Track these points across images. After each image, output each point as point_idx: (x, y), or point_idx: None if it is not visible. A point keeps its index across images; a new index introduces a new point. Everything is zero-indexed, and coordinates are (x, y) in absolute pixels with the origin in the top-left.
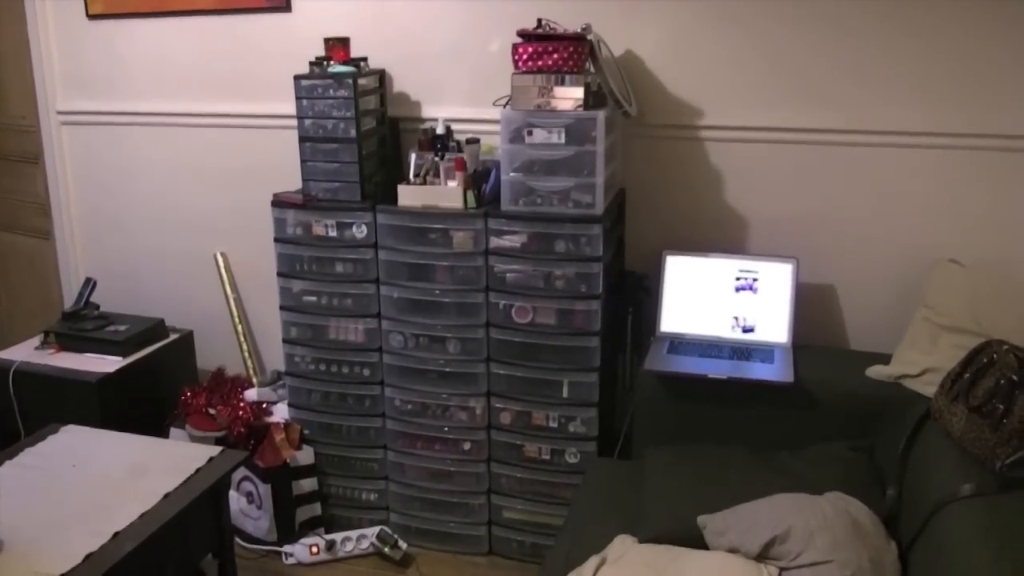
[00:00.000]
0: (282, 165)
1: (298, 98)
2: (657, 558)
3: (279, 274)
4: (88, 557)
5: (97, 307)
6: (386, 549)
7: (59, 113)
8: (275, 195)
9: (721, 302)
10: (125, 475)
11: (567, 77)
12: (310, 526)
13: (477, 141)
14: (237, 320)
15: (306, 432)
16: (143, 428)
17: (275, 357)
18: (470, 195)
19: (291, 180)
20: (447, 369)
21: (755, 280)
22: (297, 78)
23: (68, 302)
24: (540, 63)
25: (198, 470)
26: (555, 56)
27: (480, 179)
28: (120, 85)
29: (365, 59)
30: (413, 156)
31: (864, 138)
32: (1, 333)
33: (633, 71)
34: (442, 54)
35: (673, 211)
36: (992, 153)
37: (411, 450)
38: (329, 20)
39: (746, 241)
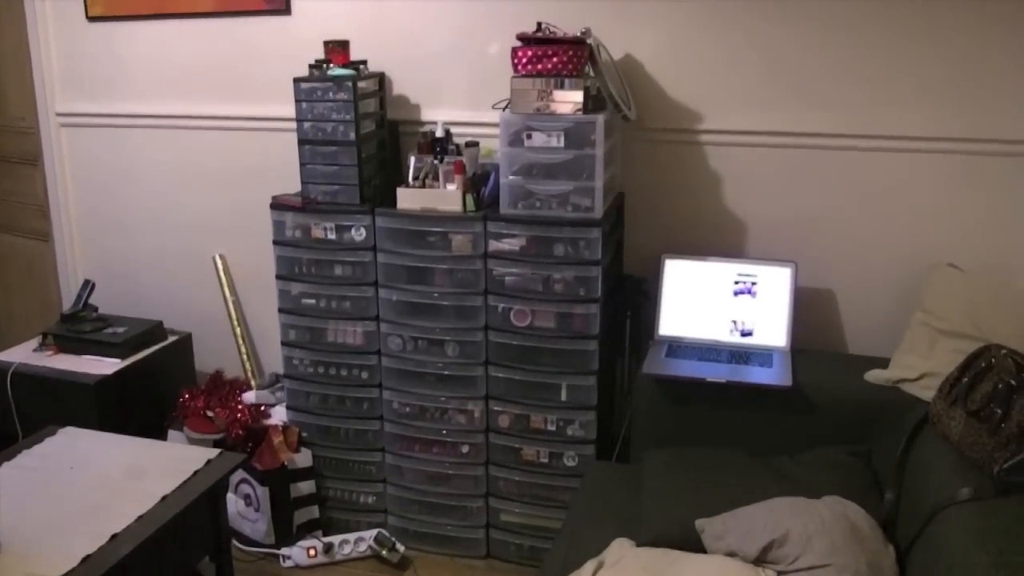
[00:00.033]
0: (281, 167)
1: (297, 101)
2: (655, 562)
3: (278, 276)
4: (86, 559)
5: (95, 309)
6: (384, 552)
7: (58, 115)
8: (274, 198)
9: (720, 306)
10: (123, 477)
11: (566, 81)
12: (308, 529)
13: (476, 144)
14: (236, 322)
15: (304, 435)
16: (141, 430)
17: (274, 359)
18: (469, 198)
19: (290, 183)
20: (446, 372)
21: (754, 284)
22: (296, 81)
23: (67, 304)
24: (539, 67)
25: (196, 472)
26: (555, 60)
27: (479, 182)
28: (119, 87)
29: (364, 62)
30: (412, 159)
31: (863, 142)
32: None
33: (632, 75)
34: (442, 57)
35: (672, 215)
36: (991, 158)
37: (409, 453)
38: (329, 23)
39: (745, 245)
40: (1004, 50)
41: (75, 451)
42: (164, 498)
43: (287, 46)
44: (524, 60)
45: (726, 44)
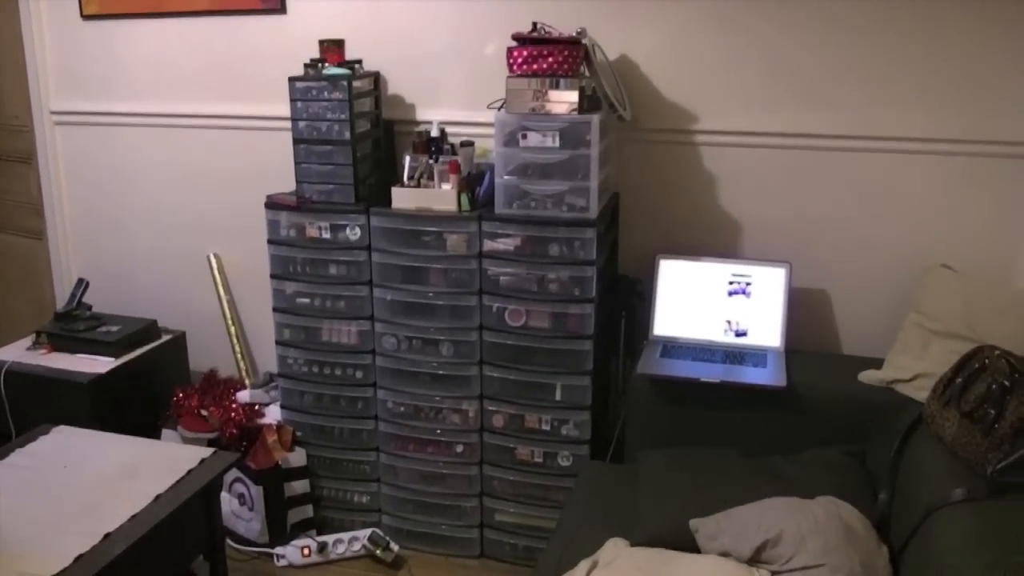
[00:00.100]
0: (276, 167)
1: (292, 100)
2: (649, 561)
3: (272, 276)
4: (79, 558)
5: (89, 307)
6: (378, 551)
7: (52, 113)
8: (269, 197)
9: (714, 306)
10: (116, 476)
11: (562, 81)
12: (302, 528)
13: (471, 144)
14: (230, 321)
15: (298, 434)
16: (135, 429)
17: (268, 359)
18: (464, 198)
19: (285, 182)
20: (440, 372)
21: (748, 284)
22: (292, 80)
23: (60, 302)
24: (535, 67)
25: (190, 471)
26: (550, 60)
27: (474, 182)
28: (114, 85)
29: (360, 61)
30: (407, 159)
31: (859, 143)
32: None
33: (628, 75)
34: (437, 57)
35: (667, 215)
36: (986, 159)
37: (403, 452)
38: (324, 22)
39: (739, 245)
40: (1002, 51)
41: (68, 450)
42: (158, 497)
43: (282, 45)
44: (519, 60)
45: (722, 44)
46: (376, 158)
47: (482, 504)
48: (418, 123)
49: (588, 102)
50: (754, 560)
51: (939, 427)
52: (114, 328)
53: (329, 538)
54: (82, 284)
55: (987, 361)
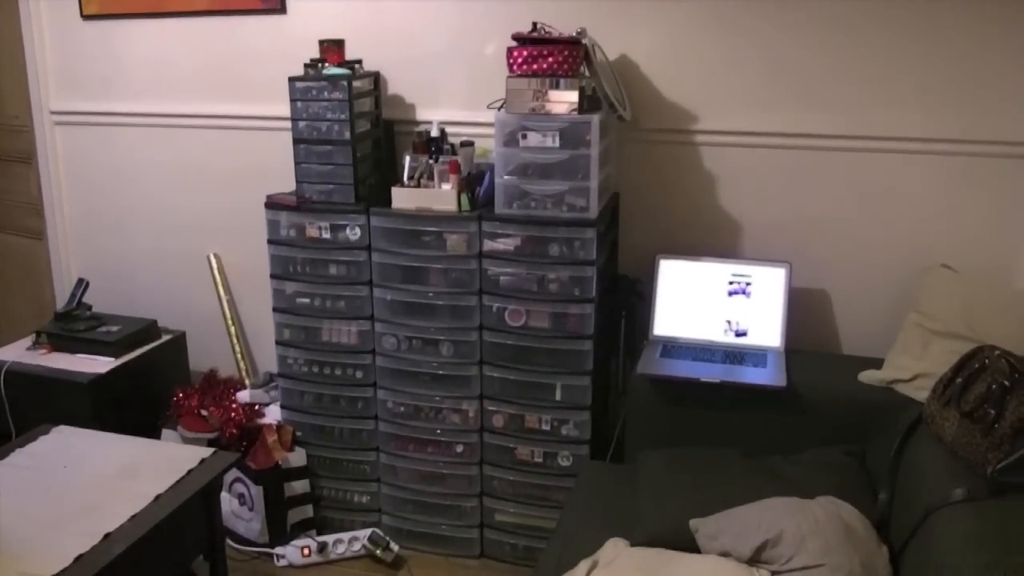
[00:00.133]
0: (276, 167)
1: (292, 100)
2: (649, 561)
3: (272, 276)
4: (79, 558)
5: (89, 307)
6: (378, 551)
7: (52, 113)
8: (269, 197)
9: (714, 306)
10: (116, 476)
11: (562, 81)
12: (302, 528)
13: (471, 144)
14: (230, 321)
15: (298, 434)
16: (135, 429)
17: (268, 359)
18: (464, 198)
19: (285, 182)
20: (440, 372)
21: (748, 284)
22: (291, 80)
23: (60, 302)
24: (535, 67)
25: (190, 471)
26: (550, 60)
27: (474, 182)
28: (114, 85)
29: (360, 61)
30: (407, 159)
31: (859, 143)
32: None
33: (628, 75)
34: (437, 57)
35: (667, 215)
36: (986, 159)
37: (403, 452)
38: (324, 22)
39: (739, 245)
40: (1002, 51)
41: (68, 450)
42: (158, 497)
43: (282, 45)
44: (519, 60)
45: (722, 44)
46: (376, 158)
47: (482, 504)
48: (418, 123)
49: (588, 102)
50: (754, 560)
51: (939, 427)
52: (114, 328)
53: (329, 538)
54: (82, 284)
55: (987, 361)
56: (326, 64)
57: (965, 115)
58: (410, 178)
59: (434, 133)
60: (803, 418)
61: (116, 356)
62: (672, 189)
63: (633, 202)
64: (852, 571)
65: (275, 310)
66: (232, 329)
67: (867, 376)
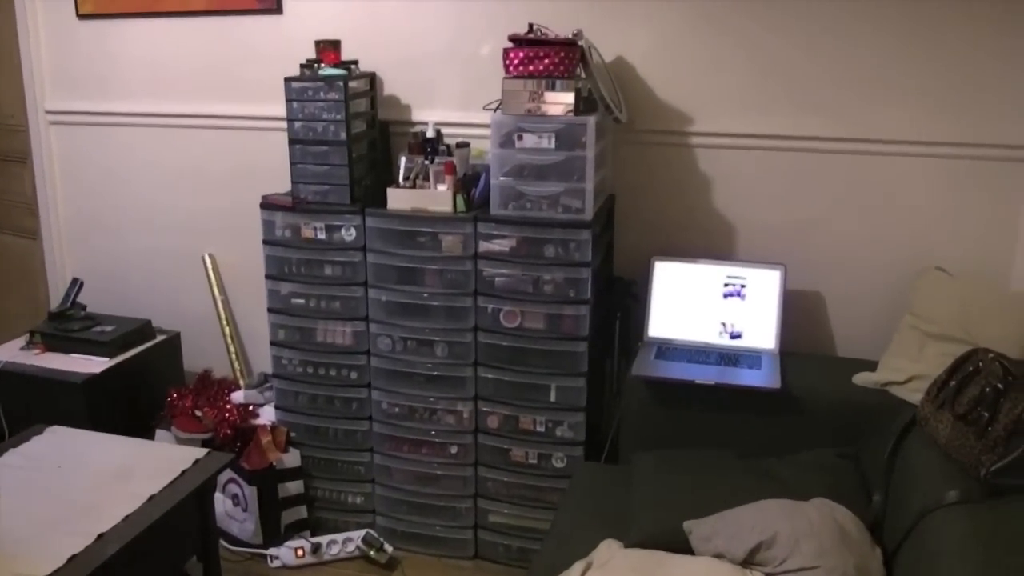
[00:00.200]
0: (272, 167)
1: (288, 100)
2: (643, 563)
3: (267, 276)
4: (72, 559)
5: (84, 307)
6: (372, 552)
7: (48, 112)
8: (264, 197)
9: (709, 308)
10: (110, 476)
11: (558, 82)
12: (296, 529)
13: (467, 145)
14: (225, 322)
15: (292, 435)
16: (129, 429)
17: (262, 359)
18: (460, 199)
19: (280, 182)
20: (435, 373)
21: (743, 286)
22: (287, 80)
23: (54, 302)
24: (531, 68)
25: (184, 472)
26: (546, 61)
27: (470, 183)
28: (109, 85)
29: (356, 62)
30: (403, 159)
31: (854, 146)
32: None
33: (624, 77)
34: (433, 58)
35: (662, 217)
36: (981, 163)
37: (398, 453)
38: (320, 22)
39: (734, 247)
40: (996, 55)
41: (62, 450)
42: (151, 498)
43: (278, 46)
44: (515, 61)
45: (718, 47)
46: (372, 159)
47: (476, 505)
48: (414, 124)
49: (584, 104)
50: (748, 562)
51: (933, 429)
52: (108, 328)
53: (323, 539)
54: (76, 284)
55: (981, 364)
56: (322, 64)
57: (960, 118)
58: (406, 179)
59: (430, 134)
60: (798, 420)
61: (110, 356)
62: (668, 191)
63: (629, 204)
64: (846, 573)
65: (270, 310)
66: (227, 329)
67: (861, 378)
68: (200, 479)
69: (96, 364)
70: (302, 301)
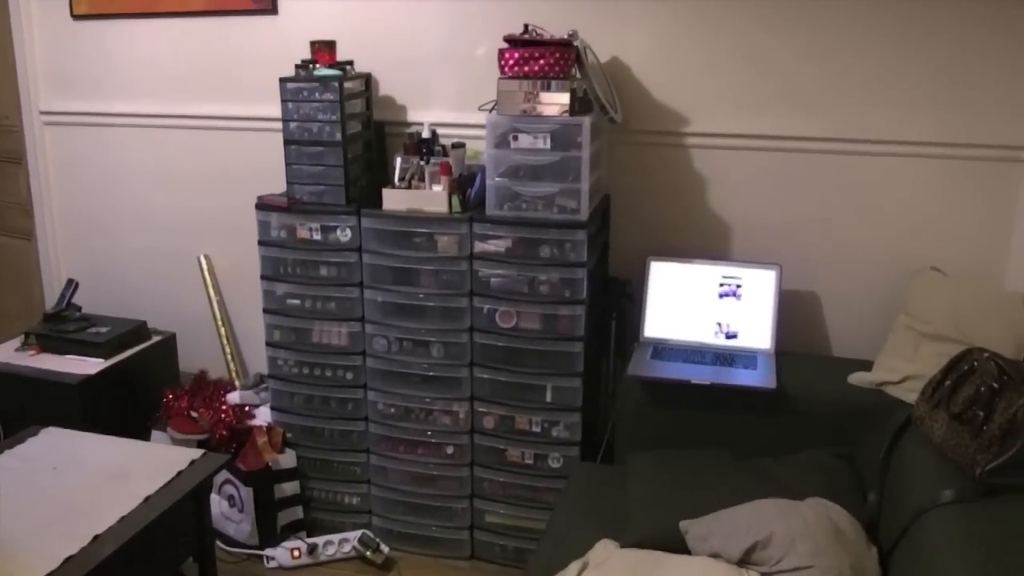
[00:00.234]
0: (267, 168)
1: (283, 101)
2: (639, 563)
3: (263, 277)
4: (68, 560)
5: (79, 308)
6: (368, 553)
7: (42, 113)
8: (259, 198)
9: (705, 308)
10: (106, 478)
11: (553, 83)
12: (292, 530)
13: (463, 146)
14: (220, 323)
15: (289, 435)
16: (124, 430)
17: (258, 360)
18: (455, 199)
19: (276, 183)
20: (430, 373)
21: (739, 286)
22: (283, 81)
23: (50, 303)
24: (526, 68)
25: (180, 473)
26: (541, 62)
27: (465, 184)
28: (104, 86)
29: (351, 62)
30: (398, 160)
31: (849, 146)
32: None
33: (619, 77)
34: (428, 58)
35: (657, 217)
36: (975, 163)
37: (394, 454)
38: (316, 23)
39: (730, 247)
40: (989, 55)
41: (58, 451)
42: (147, 499)
43: (274, 46)
44: (511, 62)
45: (713, 47)
46: (367, 159)
47: (472, 505)
48: (409, 124)
49: (579, 104)
50: (744, 562)
51: (928, 429)
52: (104, 329)
53: (319, 540)
54: (72, 285)
55: (976, 363)
56: (317, 65)
57: (954, 118)
58: (401, 179)
59: (425, 134)
60: (793, 420)
61: (106, 357)
62: (663, 191)
63: (624, 204)
64: (842, 572)
65: (265, 311)
66: (222, 330)
67: (857, 378)
68: (196, 480)
69: (91, 365)
70: (298, 302)
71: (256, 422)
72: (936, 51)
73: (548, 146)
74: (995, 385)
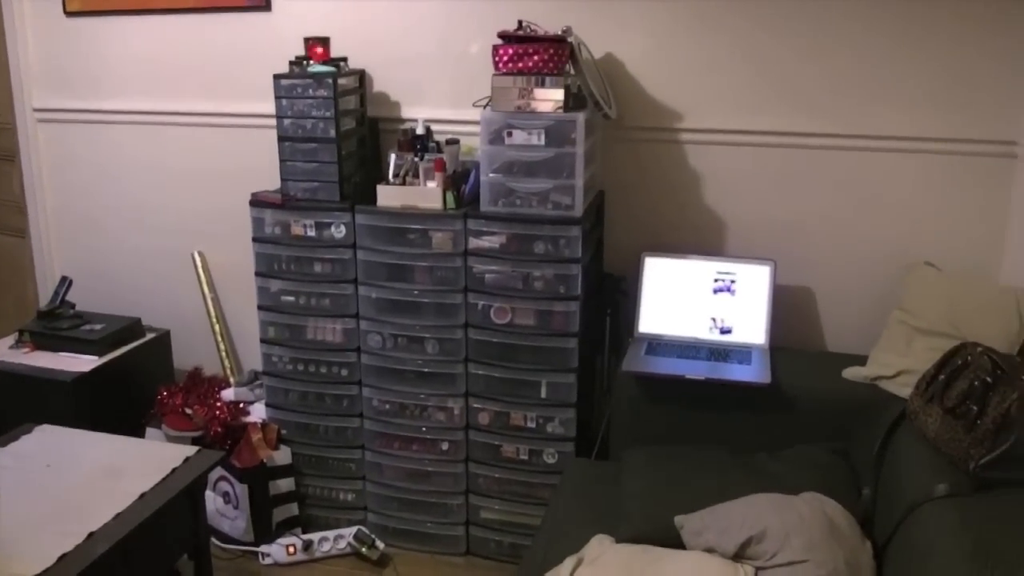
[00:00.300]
0: (261, 164)
1: (277, 97)
2: (634, 558)
3: (257, 274)
4: (62, 558)
5: (73, 306)
6: (363, 549)
7: (36, 110)
8: (253, 194)
9: (699, 304)
10: (100, 475)
11: (547, 79)
12: (287, 526)
13: (457, 142)
14: (214, 320)
15: (283, 432)
16: (119, 428)
17: (252, 357)
18: (449, 196)
19: (270, 180)
20: (425, 369)
21: (733, 282)
22: (277, 77)
23: (43, 301)
24: (520, 65)
25: (174, 470)
26: (535, 58)
27: (460, 180)
28: (98, 83)
29: (345, 59)
30: (393, 156)
31: (843, 142)
32: None
33: (613, 74)
34: (423, 55)
35: (652, 213)
36: (969, 158)
37: (389, 450)
38: (310, 20)
39: (724, 243)
40: (985, 51)
41: (52, 449)
42: (142, 496)
43: (267, 43)
44: (505, 58)
45: (707, 43)
46: (361, 156)
47: (467, 501)
48: (403, 121)
49: (573, 100)
50: (739, 556)
51: (922, 423)
52: (98, 326)
53: (314, 536)
54: (65, 282)
55: (970, 358)
56: (311, 62)
57: (949, 114)
58: (395, 176)
59: (419, 131)
60: (787, 415)
61: (100, 355)
62: (657, 187)
63: (618, 200)
64: (836, 567)
65: (260, 308)
66: (216, 327)
67: (851, 373)
68: (191, 477)
69: (85, 362)
70: (292, 298)
71: (251, 419)
72: (931, 48)
73: (542, 142)
74: (988, 379)
